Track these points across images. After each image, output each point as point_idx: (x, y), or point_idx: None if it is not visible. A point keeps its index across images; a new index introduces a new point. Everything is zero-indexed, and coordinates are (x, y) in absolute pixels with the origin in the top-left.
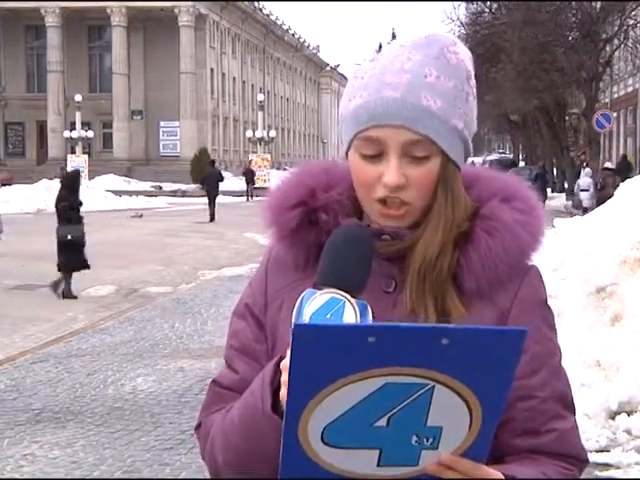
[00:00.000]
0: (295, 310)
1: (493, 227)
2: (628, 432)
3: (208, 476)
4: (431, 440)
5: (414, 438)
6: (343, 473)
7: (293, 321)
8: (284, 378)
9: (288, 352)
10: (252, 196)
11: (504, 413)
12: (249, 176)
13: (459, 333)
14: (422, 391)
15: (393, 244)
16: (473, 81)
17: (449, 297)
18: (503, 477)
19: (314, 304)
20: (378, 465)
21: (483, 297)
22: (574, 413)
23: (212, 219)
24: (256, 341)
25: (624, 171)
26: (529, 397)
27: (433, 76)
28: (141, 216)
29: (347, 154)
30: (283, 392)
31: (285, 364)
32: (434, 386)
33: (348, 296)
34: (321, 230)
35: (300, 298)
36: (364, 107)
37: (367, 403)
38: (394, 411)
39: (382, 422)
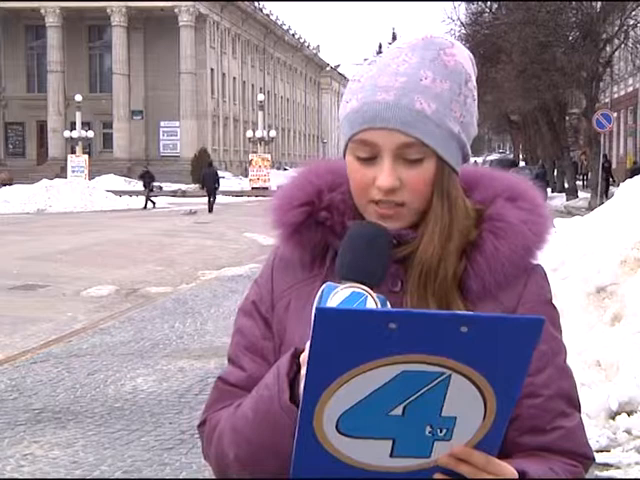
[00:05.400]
0: (315, 304)
1: (499, 228)
2: (628, 432)
3: (208, 476)
4: (445, 431)
5: (428, 429)
6: (355, 463)
7: (313, 313)
8: (304, 372)
9: (307, 344)
10: (153, 202)
11: None
12: (147, 180)
13: (478, 321)
14: (439, 380)
15: (399, 250)
16: (473, 83)
17: (453, 302)
18: (515, 471)
19: (336, 298)
20: (391, 456)
21: (489, 297)
22: (579, 411)
23: (210, 210)
24: (264, 339)
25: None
26: (535, 395)
27: (429, 79)
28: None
29: (345, 156)
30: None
31: (304, 358)
32: (450, 375)
33: (370, 290)
34: (327, 230)
35: (320, 292)
36: (358, 110)
37: (384, 391)
38: (410, 400)
39: (398, 411)
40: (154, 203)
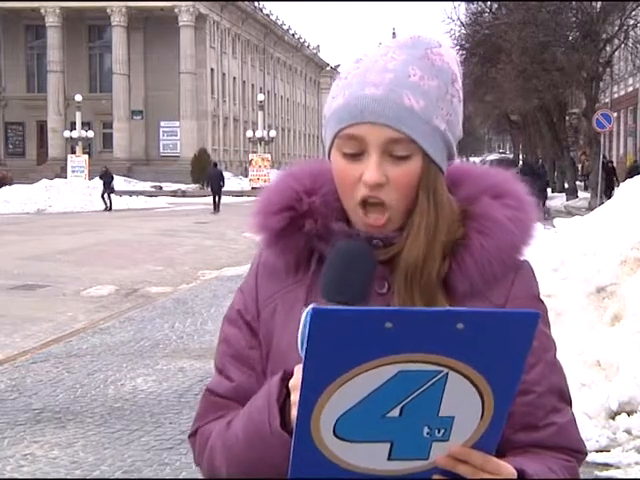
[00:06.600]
0: (301, 326)
1: (485, 226)
2: (628, 432)
3: None
4: (442, 431)
5: (426, 429)
6: (354, 468)
7: (299, 337)
8: (294, 398)
9: (295, 368)
10: (111, 204)
11: None
12: (106, 180)
13: (475, 317)
14: (436, 379)
15: (386, 252)
16: (459, 84)
17: (439, 302)
18: (514, 470)
19: None
20: (389, 459)
21: (477, 296)
22: (571, 405)
23: (217, 209)
24: (250, 348)
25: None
26: (527, 392)
27: (417, 76)
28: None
29: (329, 154)
30: (294, 413)
31: (294, 384)
32: (447, 373)
33: None
34: (311, 234)
35: (305, 314)
36: (346, 105)
37: (381, 392)
38: (407, 400)
39: (395, 412)
40: (111, 205)
